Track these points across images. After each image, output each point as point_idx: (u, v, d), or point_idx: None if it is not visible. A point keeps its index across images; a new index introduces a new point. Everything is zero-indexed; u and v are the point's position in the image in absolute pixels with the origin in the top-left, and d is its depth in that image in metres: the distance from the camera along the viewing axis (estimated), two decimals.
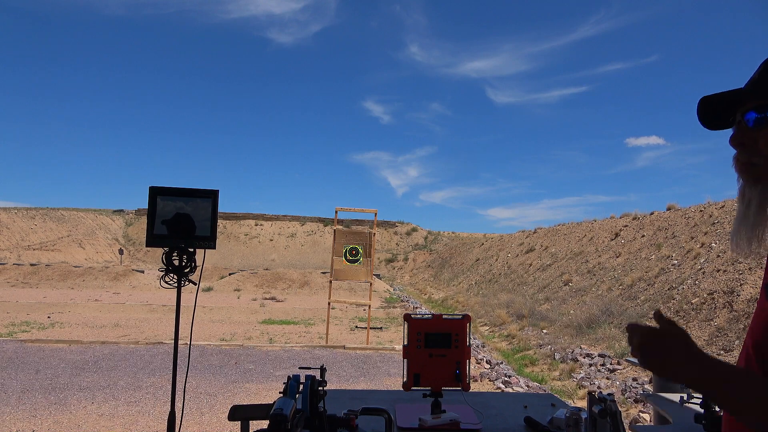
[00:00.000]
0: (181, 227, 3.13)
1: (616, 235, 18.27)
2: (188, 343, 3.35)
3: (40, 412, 5.51)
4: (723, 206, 14.16)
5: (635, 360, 0.95)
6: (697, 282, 10.44)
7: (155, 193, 3.14)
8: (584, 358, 8.79)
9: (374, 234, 10.80)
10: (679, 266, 11.98)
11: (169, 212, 3.14)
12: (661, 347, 0.89)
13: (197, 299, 4.43)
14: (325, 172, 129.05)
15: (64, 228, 56.23)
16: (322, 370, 1.83)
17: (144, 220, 51.63)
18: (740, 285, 9.05)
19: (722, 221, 12.98)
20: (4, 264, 31.88)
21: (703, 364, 0.87)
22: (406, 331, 2.23)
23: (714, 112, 0.99)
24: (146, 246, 3.16)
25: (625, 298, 12.14)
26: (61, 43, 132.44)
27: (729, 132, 1.00)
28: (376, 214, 11.18)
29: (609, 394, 1.67)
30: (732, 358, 7.07)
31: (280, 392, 1.62)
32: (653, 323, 0.96)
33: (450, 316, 2.27)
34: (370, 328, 11.31)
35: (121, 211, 66.45)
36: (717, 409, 2.11)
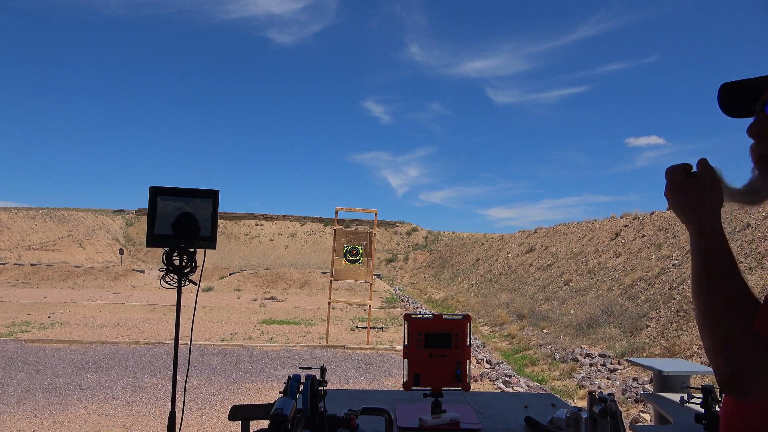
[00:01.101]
0: (183, 227, 3.13)
1: (617, 235, 18.26)
2: (188, 343, 3.35)
3: (41, 412, 5.51)
4: (723, 206, 14.13)
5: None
6: None
7: (155, 193, 3.14)
8: (584, 358, 8.79)
9: (374, 234, 10.80)
10: (679, 266, 11.98)
11: (170, 212, 3.15)
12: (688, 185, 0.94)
13: (197, 299, 4.44)
14: (325, 172, 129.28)
15: (65, 228, 56.27)
16: (323, 370, 1.83)
17: (144, 220, 51.70)
18: None
19: (722, 221, 12.98)
20: (4, 264, 31.89)
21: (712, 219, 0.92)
22: (406, 331, 2.23)
23: (736, 98, 0.96)
24: (146, 246, 3.16)
25: (625, 298, 12.14)
26: (61, 43, 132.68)
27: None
28: (376, 214, 11.18)
29: (609, 394, 1.67)
30: None
31: (280, 392, 1.62)
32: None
33: (450, 316, 2.27)
34: (371, 328, 11.31)
35: (122, 211, 66.49)
36: (717, 408, 2.11)
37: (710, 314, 0.86)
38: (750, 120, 0.96)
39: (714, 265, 0.89)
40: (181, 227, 3.13)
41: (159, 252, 3.12)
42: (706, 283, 0.88)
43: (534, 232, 28.80)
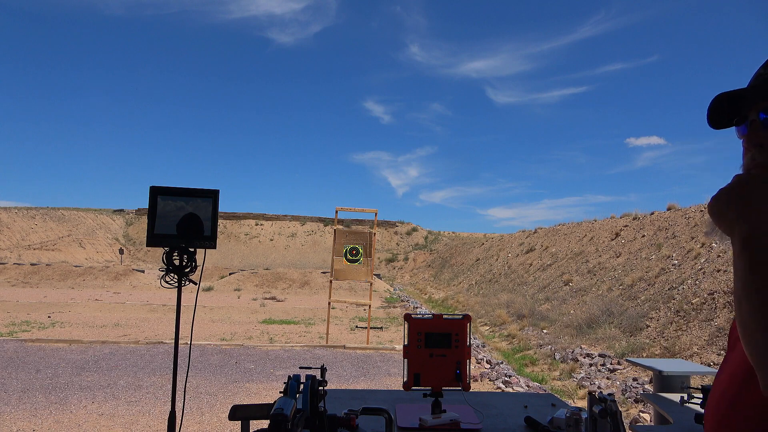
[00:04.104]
0: (187, 228, 3.14)
1: (617, 235, 18.26)
2: (188, 342, 3.36)
3: (41, 412, 5.51)
4: None
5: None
6: (697, 282, 10.44)
7: (156, 192, 3.14)
8: (584, 358, 8.79)
9: (374, 234, 10.80)
10: (679, 266, 11.98)
11: (170, 212, 3.15)
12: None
13: (197, 299, 4.44)
14: (325, 172, 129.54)
15: (65, 228, 56.26)
16: (323, 369, 1.83)
17: (144, 219, 51.75)
18: None
19: None
20: (4, 264, 31.90)
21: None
22: (406, 330, 2.23)
23: (725, 109, 0.94)
24: (147, 246, 3.16)
25: (625, 298, 12.14)
26: (61, 43, 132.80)
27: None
28: (376, 214, 11.17)
29: (609, 394, 1.67)
30: None
31: (280, 392, 1.62)
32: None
33: (450, 316, 2.27)
34: (370, 328, 11.31)
35: (122, 210, 66.50)
36: None
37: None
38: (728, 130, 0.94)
39: None
40: (186, 227, 3.13)
41: (159, 252, 3.12)
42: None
43: (534, 232, 28.79)
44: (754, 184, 0.83)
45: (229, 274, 31.60)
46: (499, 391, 6.89)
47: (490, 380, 7.58)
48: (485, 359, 9.05)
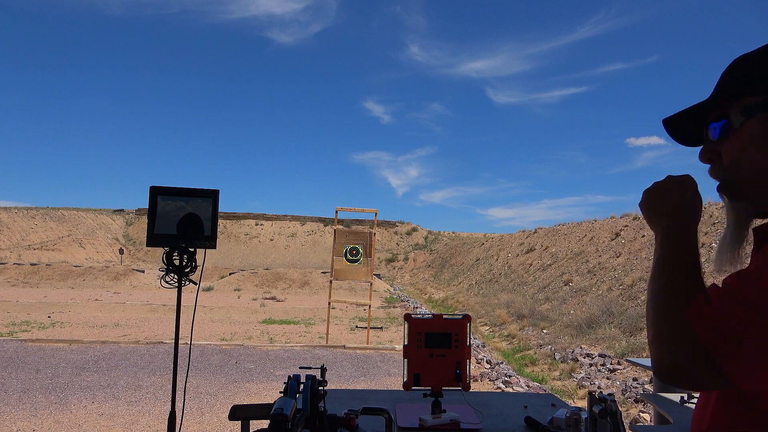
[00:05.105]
0: (188, 228, 3.13)
1: (617, 234, 18.26)
2: (188, 342, 3.36)
3: (41, 412, 5.51)
4: (723, 206, 14.15)
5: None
6: None
7: (156, 192, 3.14)
8: (584, 358, 8.79)
9: (374, 234, 10.80)
10: None
11: (170, 212, 3.14)
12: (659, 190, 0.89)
13: (197, 299, 4.44)
14: (325, 172, 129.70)
15: (65, 227, 56.27)
16: (323, 369, 1.83)
17: (144, 219, 51.76)
18: None
19: (722, 221, 12.98)
20: (4, 264, 31.91)
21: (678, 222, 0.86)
22: (406, 330, 2.23)
23: (684, 129, 0.92)
24: (146, 246, 3.16)
25: (625, 298, 12.14)
26: (61, 43, 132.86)
27: None
28: (376, 214, 11.17)
29: (609, 394, 1.66)
30: None
31: (280, 392, 1.62)
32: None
33: (450, 316, 2.27)
34: (370, 328, 11.31)
35: (122, 210, 66.54)
36: None
37: (655, 305, 0.81)
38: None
39: (674, 261, 0.83)
40: (186, 227, 3.13)
41: (159, 252, 3.12)
42: (659, 276, 0.83)
43: (534, 232, 28.80)
44: (688, 181, 0.88)
45: (229, 274, 31.61)
46: (499, 391, 6.89)
47: (490, 380, 7.59)
48: (485, 359, 9.05)
